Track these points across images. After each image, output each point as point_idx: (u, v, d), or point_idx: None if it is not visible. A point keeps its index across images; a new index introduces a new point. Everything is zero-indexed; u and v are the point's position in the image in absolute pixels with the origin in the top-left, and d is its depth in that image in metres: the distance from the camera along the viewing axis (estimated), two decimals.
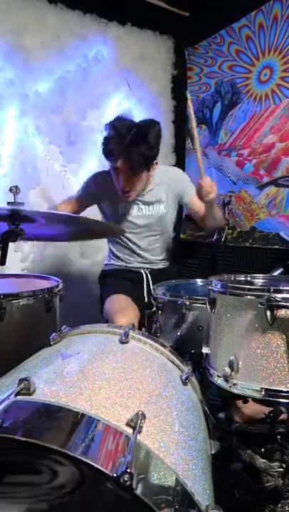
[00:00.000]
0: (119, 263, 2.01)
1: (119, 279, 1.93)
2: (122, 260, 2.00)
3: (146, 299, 1.77)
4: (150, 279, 1.88)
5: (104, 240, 2.13)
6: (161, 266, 2.04)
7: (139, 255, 1.97)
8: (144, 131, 1.66)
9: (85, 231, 1.50)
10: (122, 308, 1.72)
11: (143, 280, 1.89)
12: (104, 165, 1.97)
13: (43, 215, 1.18)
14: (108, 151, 1.69)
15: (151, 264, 1.99)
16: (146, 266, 1.97)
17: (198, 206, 1.92)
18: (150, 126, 1.70)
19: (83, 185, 2.00)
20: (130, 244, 1.96)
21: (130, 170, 1.68)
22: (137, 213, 1.92)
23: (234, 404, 1.61)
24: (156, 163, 1.83)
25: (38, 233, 1.39)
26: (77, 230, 1.45)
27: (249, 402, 1.55)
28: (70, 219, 1.29)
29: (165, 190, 1.94)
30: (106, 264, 2.10)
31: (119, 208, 1.91)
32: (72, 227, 1.41)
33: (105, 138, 1.70)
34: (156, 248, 2.00)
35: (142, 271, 1.93)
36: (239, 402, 1.60)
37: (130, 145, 1.61)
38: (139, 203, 1.91)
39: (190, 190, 1.97)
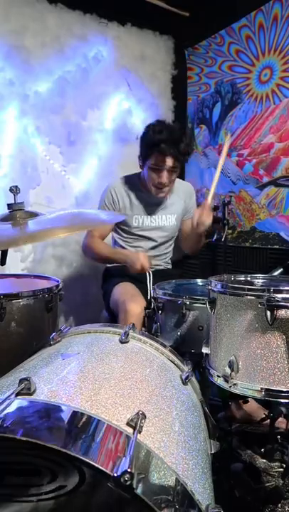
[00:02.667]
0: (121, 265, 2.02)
1: (123, 276, 1.94)
2: None
3: (149, 296, 1.77)
4: (151, 279, 1.88)
5: (106, 240, 2.13)
6: (163, 267, 2.05)
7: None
8: (183, 129, 1.87)
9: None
10: (133, 294, 1.73)
11: (146, 279, 1.89)
12: (105, 165, 1.98)
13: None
14: (150, 149, 1.77)
15: (155, 266, 2.00)
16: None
17: (187, 227, 2.03)
18: (185, 127, 1.93)
19: (106, 203, 1.98)
20: (138, 249, 1.99)
21: (174, 165, 1.78)
22: (150, 224, 1.98)
23: (234, 405, 1.61)
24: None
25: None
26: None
27: (249, 402, 1.55)
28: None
29: (180, 203, 2.04)
30: (109, 266, 2.11)
31: (133, 219, 1.96)
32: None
33: (153, 135, 1.77)
34: (163, 255, 2.06)
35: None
36: (239, 402, 1.60)
37: (178, 142, 1.75)
38: (155, 211, 1.98)
39: (193, 209, 2.07)
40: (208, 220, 1.76)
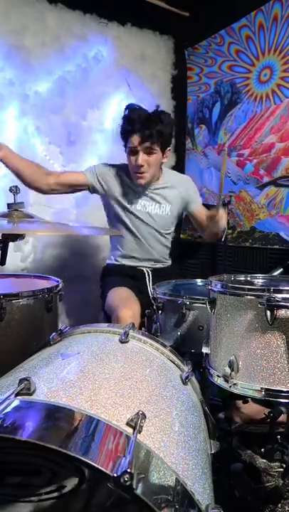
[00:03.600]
0: (122, 261, 2.01)
1: (121, 275, 1.93)
2: (124, 257, 2.00)
3: (150, 295, 1.78)
4: (151, 277, 1.89)
5: (105, 240, 2.13)
6: (163, 265, 2.04)
7: (140, 253, 1.98)
8: (159, 112, 1.84)
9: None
10: (125, 300, 1.72)
11: (145, 278, 1.89)
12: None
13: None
14: (126, 129, 1.79)
15: (154, 262, 2.00)
16: (148, 264, 1.98)
17: (202, 217, 2.02)
18: (163, 111, 1.87)
19: (91, 170, 1.98)
20: (132, 239, 1.97)
21: (147, 145, 1.76)
22: (142, 210, 1.95)
23: (234, 405, 1.61)
24: (170, 150, 1.92)
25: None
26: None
27: (249, 402, 1.55)
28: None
29: (175, 193, 2.00)
30: (108, 263, 2.10)
31: (126, 203, 1.94)
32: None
33: (124, 117, 1.81)
34: (160, 246, 2.02)
35: (144, 269, 1.94)
36: (239, 402, 1.60)
37: (148, 121, 1.75)
38: (147, 199, 1.95)
39: (197, 200, 2.06)
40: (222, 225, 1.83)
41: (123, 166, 1.96)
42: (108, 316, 1.82)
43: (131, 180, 1.93)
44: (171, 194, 1.99)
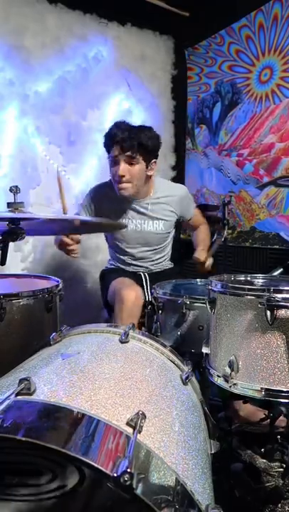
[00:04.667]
0: (119, 265, 2.02)
1: (121, 274, 1.94)
2: (121, 263, 2.01)
3: (147, 298, 1.77)
4: (148, 281, 1.89)
5: (105, 240, 2.13)
6: (158, 269, 2.04)
7: (134, 258, 1.98)
8: (143, 126, 1.81)
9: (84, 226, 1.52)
10: (129, 284, 1.73)
11: (142, 281, 1.89)
12: (105, 164, 1.96)
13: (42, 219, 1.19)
14: (108, 141, 1.76)
15: (148, 269, 2.00)
16: (144, 270, 1.98)
17: (196, 223, 2.07)
18: (148, 127, 1.82)
19: (83, 205, 1.96)
20: (127, 257, 1.98)
21: (128, 155, 1.72)
22: (135, 229, 1.91)
23: (233, 406, 1.61)
24: (155, 162, 1.84)
25: (38, 229, 1.39)
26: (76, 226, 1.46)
27: (247, 403, 1.55)
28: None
29: (168, 210, 1.95)
30: (106, 267, 2.12)
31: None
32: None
33: (107, 131, 1.78)
34: (155, 261, 2.02)
35: (141, 273, 1.94)
36: (238, 403, 1.60)
37: (129, 132, 1.72)
38: (140, 217, 1.91)
39: (191, 211, 2.04)
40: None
41: (110, 185, 1.88)
42: (110, 311, 1.82)
43: (119, 201, 1.87)
44: (164, 211, 1.93)
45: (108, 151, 1.78)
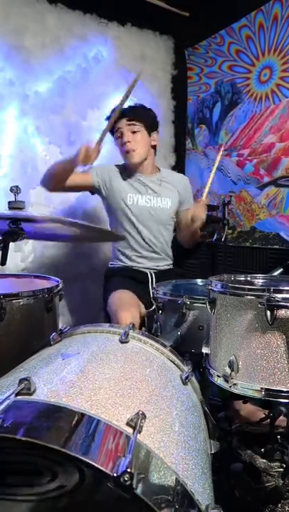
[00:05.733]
0: (124, 263, 2.01)
1: (124, 277, 1.94)
2: (127, 258, 2.00)
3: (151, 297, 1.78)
4: (154, 280, 1.89)
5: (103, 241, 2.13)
6: (166, 267, 2.05)
7: (144, 249, 1.98)
8: (139, 104, 2.03)
9: (84, 235, 1.51)
10: (126, 303, 1.73)
11: (148, 280, 1.90)
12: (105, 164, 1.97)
13: (44, 220, 1.19)
14: (110, 116, 1.87)
15: (156, 262, 2.00)
16: (151, 266, 1.98)
17: (185, 219, 2.04)
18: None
19: (94, 168, 2.02)
20: (136, 235, 1.98)
21: (131, 123, 1.92)
22: (145, 204, 1.98)
23: (233, 406, 1.61)
24: (157, 133, 2.04)
25: (38, 232, 1.39)
26: (76, 233, 1.45)
27: (247, 403, 1.55)
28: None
29: (173, 191, 2.05)
30: (112, 264, 2.10)
31: (128, 198, 1.97)
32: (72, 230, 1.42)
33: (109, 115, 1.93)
34: (161, 242, 2.03)
35: (148, 271, 1.94)
36: (238, 403, 1.60)
37: (129, 107, 1.93)
38: (149, 192, 1.99)
39: (190, 202, 2.08)
40: (202, 214, 1.83)
41: (120, 165, 2.05)
42: (109, 317, 1.83)
43: (130, 176, 2.00)
44: (170, 190, 2.05)
45: (112, 131, 1.95)
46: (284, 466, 1.35)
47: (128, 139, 1.92)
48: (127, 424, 0.62)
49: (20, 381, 0.65)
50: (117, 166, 2.06)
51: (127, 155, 1.95)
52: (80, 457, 0.53)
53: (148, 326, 1.58)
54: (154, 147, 2.04)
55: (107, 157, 2.55)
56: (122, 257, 2.03)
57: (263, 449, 1.44)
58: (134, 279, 1.92)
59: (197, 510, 0.58)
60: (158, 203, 1.99)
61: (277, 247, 2.37)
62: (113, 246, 2.10)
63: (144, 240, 1.98)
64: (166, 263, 2.07)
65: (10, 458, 0.60)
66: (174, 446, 0.66)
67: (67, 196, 2.51)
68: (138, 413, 0.63)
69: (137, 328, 1.57)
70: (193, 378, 0.99)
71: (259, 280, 1.29)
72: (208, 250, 2.77)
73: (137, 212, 1.96)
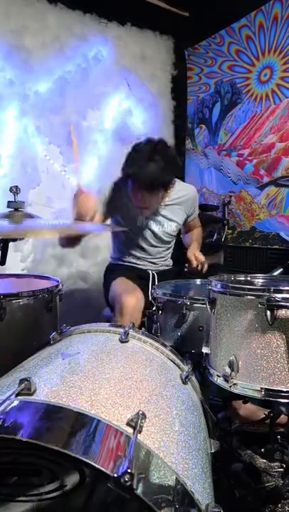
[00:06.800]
0: (125, 262, 2.01)
1: (126, 270, 1.93)
2: (129, 255, 2.00)
3: (150, 297, 1.77)
4: (156, 279, 1.89)
5: (105, 241, 2.13)
6: (166, 267, 2.05)
7: (146, 253, 1.98)
8: (160, 152, 1.63)
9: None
10: (129, 288, 1.71)
11: (149, 278, 1.89)
12: (105, 165, 1.98)
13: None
14: (128, 173, 1.66)
15: (156, 265, 2.00)
16: (152, 266, 1.98)
17: (192, 225, 2.05)
18: (165, 150, 1.67)
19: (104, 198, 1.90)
20: (139, 246, 1.97)
21: (148, 191, 1.65)
22: (153, 228, 1.91)
23: (233, 406, 1.61)
24: (174, 182, 1.77)
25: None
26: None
27: (248, 403, 1.55)
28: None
29: (180, 211, 1.96)
30: (111, 262, 2.10)
31: (137, 222, 1.90)
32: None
33: (128, 158, 1.67)
34: (164, 256, 2.03)
35: (150, 271, 1.94)
36: (238, 403, 1.60)
37: (148, 168, 1.59)
38: (155, 219, 1.90)
39: (195, 213, 2.05)
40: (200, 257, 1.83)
41: (125, 189, 1.81)
42: (112, 308, 1.82)
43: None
44: (176, 212, 1.94)
45: (127, 177, 1.70)
46: (284, 466, 1.35)
47: (144, 204, 1.72)
48: (127, 424, 0.62)
49: (21, 381, 0.65)
50: (122, 183, 1.82)
51: (138, 209, 1.79)
52: (81, 458, 0.53)
53: (148, 326, 1.58)
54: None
55: (106, 156, 2.56)
56: (121, 255, 2.03)
57: (263, 449, 1.44)
58: (135, 273, 1.92)
59: (197, 510, 0.58)
60: (163, 228, 1.94)
61: (277, 247, 2.37)
62: (113, 246, 2.10)
63: (145, 251, 1.98)
64: (167, 265, 2.07)
65: (10, 458, 0.60)
66: (174, 445, 0.66)
67: (66, 197, 2.51)
68: (138, 413, 0.63)
69: (134, 319, 1.59)
70: (193, 378, 0.99)
71: (259, 280, 1.29)
72: (208, 250, 2.77)
73: (141, 236, 1.94)
